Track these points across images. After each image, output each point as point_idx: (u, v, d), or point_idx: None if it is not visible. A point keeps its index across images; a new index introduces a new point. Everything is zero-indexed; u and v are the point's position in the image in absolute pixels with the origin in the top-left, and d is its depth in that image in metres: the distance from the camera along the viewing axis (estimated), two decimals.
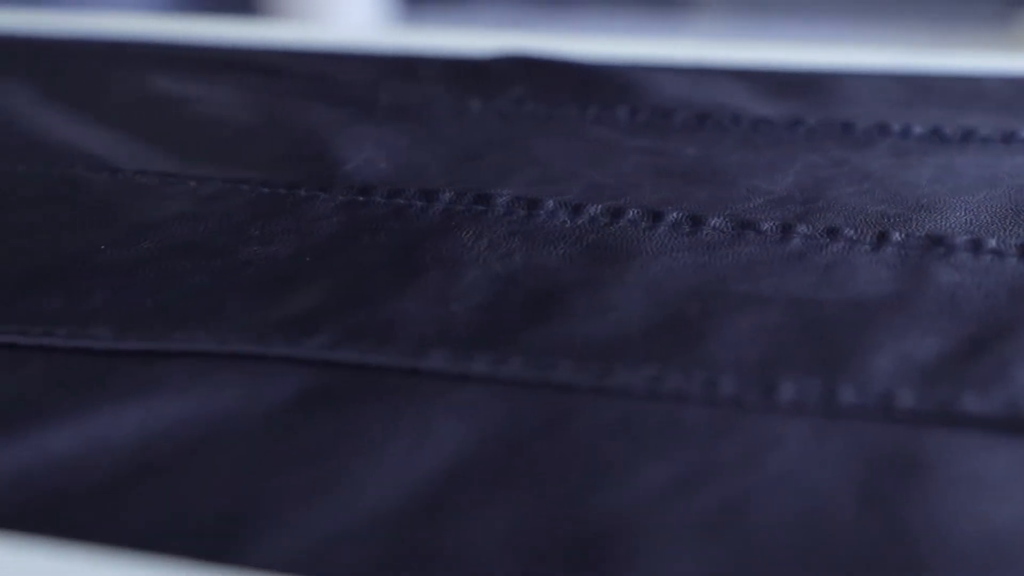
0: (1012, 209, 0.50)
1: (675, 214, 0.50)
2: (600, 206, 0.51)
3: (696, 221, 0.49)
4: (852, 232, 0.48)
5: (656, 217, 0.50)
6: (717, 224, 0.49)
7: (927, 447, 0.35)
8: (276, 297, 0.44)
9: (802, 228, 0.48)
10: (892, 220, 0.49)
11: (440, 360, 0.40)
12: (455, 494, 0.33)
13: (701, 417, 0.37)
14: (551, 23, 2.26)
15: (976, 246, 0.46)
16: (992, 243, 0.46)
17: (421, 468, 0.34)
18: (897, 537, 0.31)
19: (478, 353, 0.40)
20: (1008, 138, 0.58)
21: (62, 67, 0.74)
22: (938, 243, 0.47)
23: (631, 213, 0.50)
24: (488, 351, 0.40)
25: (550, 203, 0.51)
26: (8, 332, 0.42)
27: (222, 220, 0.51)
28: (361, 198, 0.53)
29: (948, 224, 0.49)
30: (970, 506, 0.32)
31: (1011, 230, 0.48)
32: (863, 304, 0.43)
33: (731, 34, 2.18)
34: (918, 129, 0.60)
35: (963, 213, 0.50)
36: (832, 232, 0.48)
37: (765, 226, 0.49)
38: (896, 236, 0.47)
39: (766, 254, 0.47)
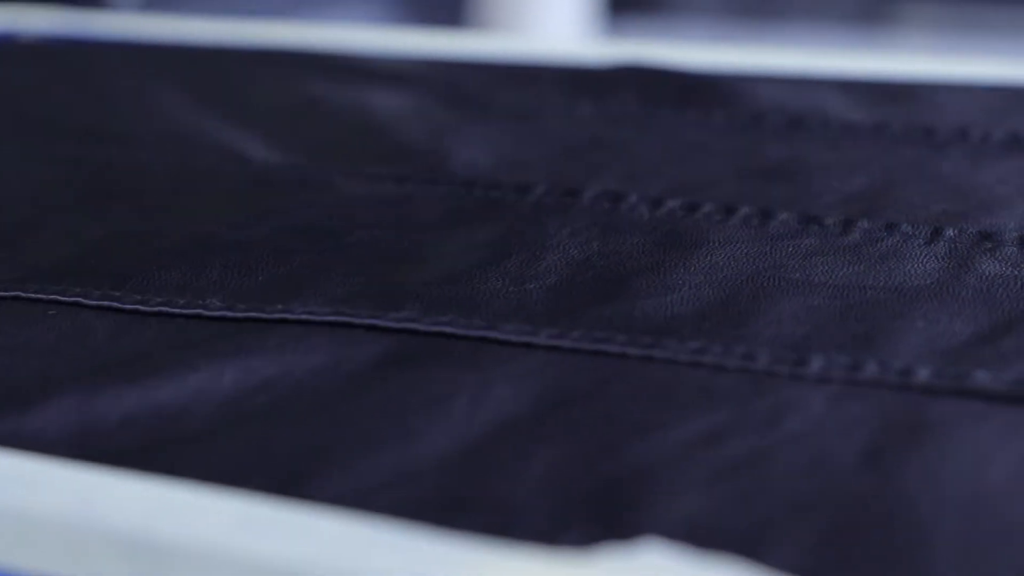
0: None
1: (747, 209, 0.53)
2: (679, 201, 0.54)
3: (765, 215, 0.53)
4: (909, 228, 0.51)
5: (729, 211, 0.53)
6: (784, 218, 0.52)
7: (933, 415, 0.38)
8: (372, 274, 0.48)
9: (863, 223, 0.51)
10: (950, 217, 0.52)
11: (509, 331, 0.43)
12: (503, 446, 0.37)
13: (735, 384, 0.40)
14: (754, 34, 2.28)
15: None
16: None
17: (477, 423, 0.38)
18: (893, 490, 0.34)
19: (543, 327, 0.44)
20: None
21: (219, 72, 0.79)
22: (988, 238, 0.50)
23: (706, 207, 0.53)
24: (553, 325, 0.44)
25: (633, 197, 0.55)
26: (132, 301, 0.47)
27: (334, 208, 0.55)
28: (462, 190, 0.57)
29: (1003, 222, 0.51)
30: (965, 467, 0.35)
31: None
32: (904, 291, 0.45)
33: (936, 47, 2.19)
34: (998, 135, 0.62)
35: (1021, 212, 0.52)
36: (890, 227, 0.51)
37: (829, 221, 0.52)
38: (950, 232, 0.50)
39: (825, 246, 0.50)
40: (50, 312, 0.46)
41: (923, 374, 0.40)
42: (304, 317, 0.45)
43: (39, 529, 0.34)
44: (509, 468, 0.36)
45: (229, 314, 0.46)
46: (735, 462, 0.36)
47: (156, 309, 0.46)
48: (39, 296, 0.47)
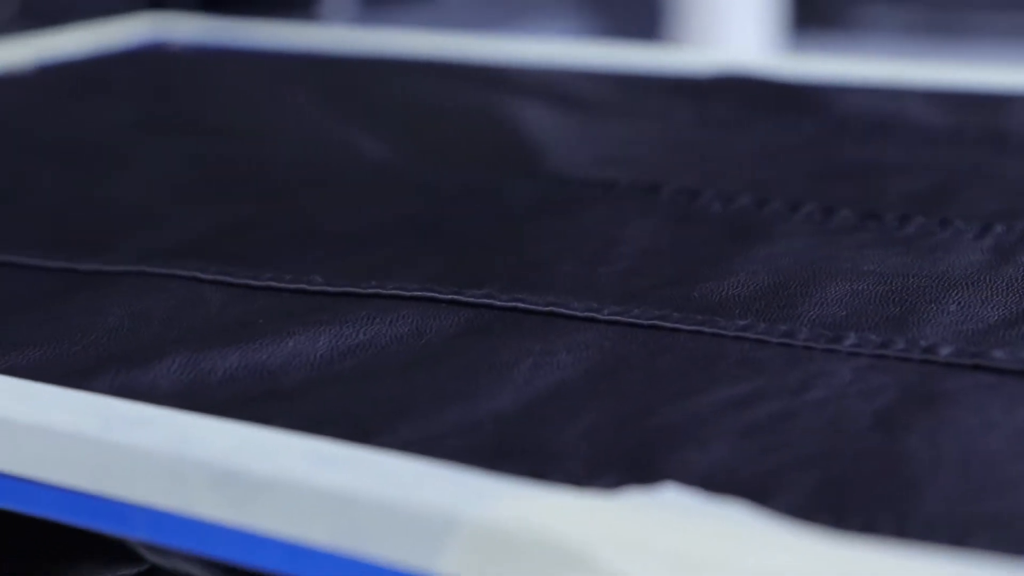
0: None
1: (811, 205, 0.56)
2: (749, 197, 0.58)
3: (827, 211, 0.56)
4: (962, 224, 0.54)
5: (795, 207, 0.56)
6: (845, 214, 0.55)
7: (947, 386, 0.41)
8: (459, 258, 0.53)
9: (919, 219, 0.55)
10: (1003, 215, 0.55)
11: (575, 308, 0.47)
12: (555, 404, 0.41)
13: (773, 357, 0.43)
14: (936, 50, 2.27)
15: None
16: None
17: (536, 385, 0.42)
18: (898, 448, 0.37)
19: (607, 304, 0.47)
20: None
21: (349, 78, 0.84)
22: None
23: (775, 204, 0.57)
24: (615, 304, 0.48)
25: (708, 193, 0.58)
26: (243, 276, 0.51)
27: (433, 200, 0.60)
28: (554, 185, 0.61)
29: None
30: (968, 431, 0.38)
31: None
32: (944, 279, 0.49)
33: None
34: None
35: None
36: (944, 223, 0.54)
37: (887, 217, 0.55)
38: (999, 228, 0.53)
39: (879, 239, 0.53)
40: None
41: (945, 351, 0.43)
42: (394, 292, 0.49)
43: (148, 463, 0.39)
44: (557, 423, 0.40)
45: (328, 289, 0.50)
46: (759, 423, 0.39)
47: (263, 284, 0.51)
48: (162, 271, 0.52)
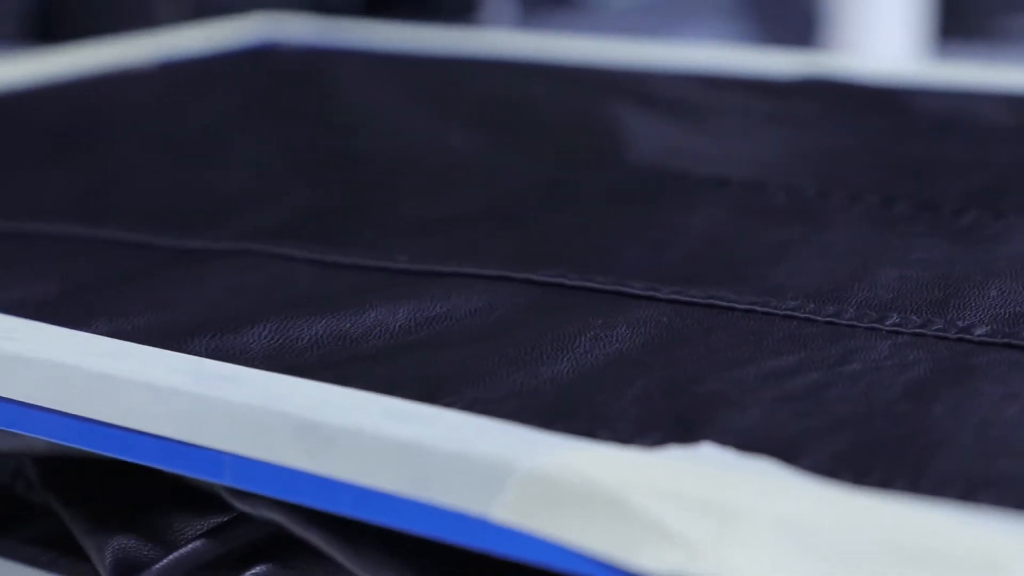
0: None
1: (873, 197, 0.59)
2: (814, 190, 0.60)
3: (887, 203, 0.58)
4: (1014, 217, 0.56)
5: (855, 199, 0.59)
6: (904, 206, 0.58)
7: (977, 362, 0.43)
8: (535, 242, 0.56)
9: (975, 212, 0.57)
10: None
11: (637, 287, 0.50)
12: (610, 372, 0.44)
13: (818, 334, 0.46)
14: None
15: None
16: None
17: (594, 355, 0.45)
18: (923, 415, 0.40)
19: (666, 286, 0.50)
20: None
21: (448, 77, 0.87)
22: None
23: (837, 196, 0.59)
24: (676, 285, 0.50)
25: (774, 186, 0.61)
26: (333, 255, 0.55)
27: (515, 190, 0.63)
28: (629, 177, 0.64)
29: None
30: (991, 401, 0.41)
31: None
32: (990, 267, 0.51)
33: None
34: None
35: None
36: (999, 215, 0.56)
37: (944, 209, 0.57)
38: None
39: (933, 230, 0.55)
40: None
41: (979, 331, 0.45)
42: (471, 272, 0.53)
43: (236, 415, 0.42)
44: (610, 389, 0.43)
45: (410, 268, 0.53)
46: (796, 391, 0.42)
47: (351, 262, 0.54)
48: (259, 249, 0.56)
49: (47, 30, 1.84)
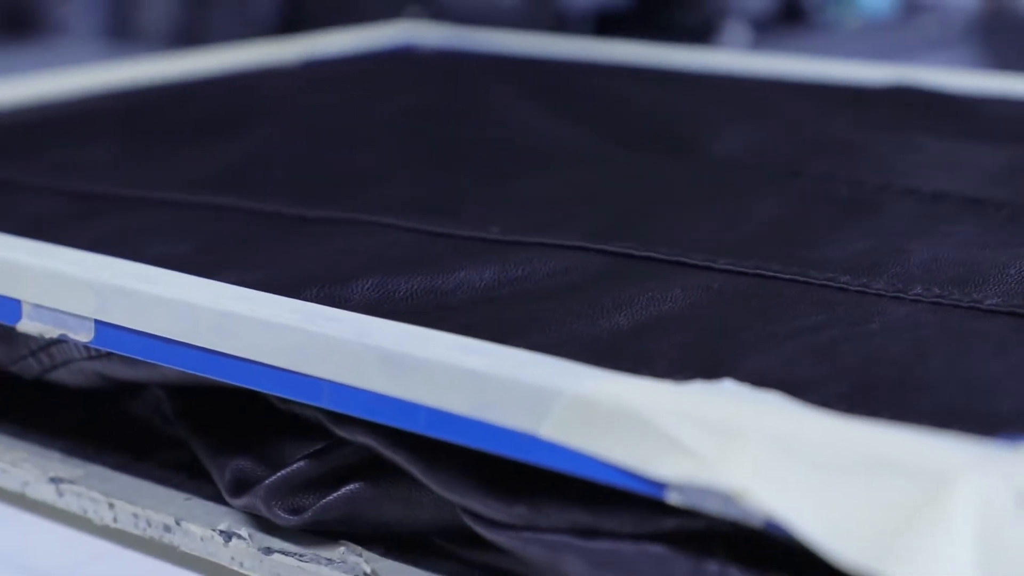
0: None
1: (927, 190, 0.64)
2: (873, 183, 0.66)
3: (938, 196, 0.64)
4: None
5: (910, 192, 0.64)
6: (954, 199, 0.63)
7: (982, 326, 0.49)
8: (615, 218, 0.62)
9: (1016, 205, 0.62)
10: None
11: (696, 258, 0.56)
12: (660, 325, 0.50)
13: (847, 299, 0.52)
14: None
15: None
16: None
17: (648, 311, 0.51)
18: (921, 366, 0.46)
19: (723, 258, 0.56)
20: None
21: (562, 78, 0.94)
22: None
23: (894, 189, 0.65)
24: (731, 258, 0.56)
25: (839, 179, 0.67)
26: (445, 226, 0.62)
27: (606, 176, 0.70)
28: (710, 168, 0.70)
29: None
30: (983, 357, 0.46)
31: None
32: (1017, 251, 0.56)
33: None
34: None
35: None
36: None
37: (989, 203, 0.62)
38: None
39: (974, 219, 0.61)
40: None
41: (990, 302, 0.51)
42: (554, 242, 0.59)
43: (335, 348, 0.49)
44: (656, 338, 0.49)
45: (502, 237, 0.60)
46: (816, 344, 0.48)
47: (450, 231, 0.61)
48: (370, 219, 0.63)
49: (290, 27, 1.90)
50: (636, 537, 0.45)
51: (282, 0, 1.96)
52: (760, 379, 0.44)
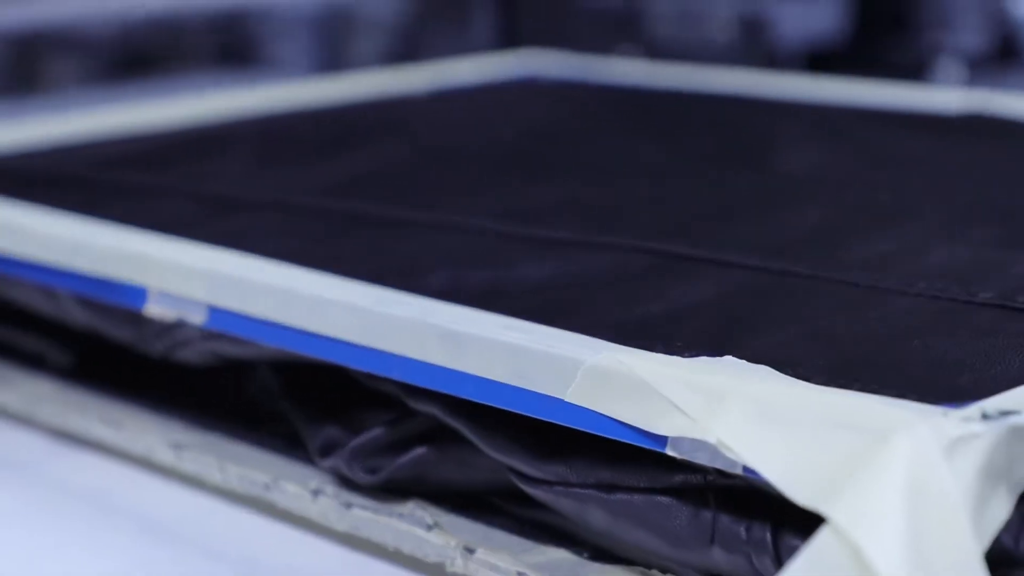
0: None
1: (963, 205, 0.70)
2: (918, 196, 0.72)
3: (970, 208, 0.69)
4: None
5: (949, 204, 0.70)
6: (987, 212, 0.69)
7: (967, 318, 0.54)
8: (668, 222, 0.69)
9: None
10: None
11: (734, 258, 0.63)
12: (687, 312, 0.57)
13: (860, 293, 0.58)
14: None
15: None
16: None
17: (680, 301, 0.58)
18: (900, 349, 0.51)
19: (756, 257, 0.63)
20: None
21: (663, 106, 1.01)
22: None
23: (934, 202, 0.71)
24: (764, 257, 0.63)
25: (885, 191, 0.73)
26: (515, 226, 0.69)
27: (674, 185, 0.77)
28: (769, 179, 0.77)
29: None
30: (959, 343, 0.52)
31: None
32: None
33: None
34: None
35: None
36: None
37: (1019, 218, 0.68)
38: None
39: (1001, 230, 0.66)
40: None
41: (985, 295, 0.56)
42: (611, 241, 0.66)
43: (402, 326, 0.56)
44: (680, 321, 0.55)
45: (569, 237, 0.67)
46: (816, 329, 0.54)
47: (524, 232, 0.68)
48: (457, 221, 0.70)
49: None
50: (648, 490, 0.51)
51: (499, 28, 2.01)
52: (757, 357, 0.51)
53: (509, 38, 1.98)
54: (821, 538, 0.42)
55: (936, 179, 0.77)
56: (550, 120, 0.99)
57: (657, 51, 1.92)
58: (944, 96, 0.98)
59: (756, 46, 1.94)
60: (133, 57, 1.98)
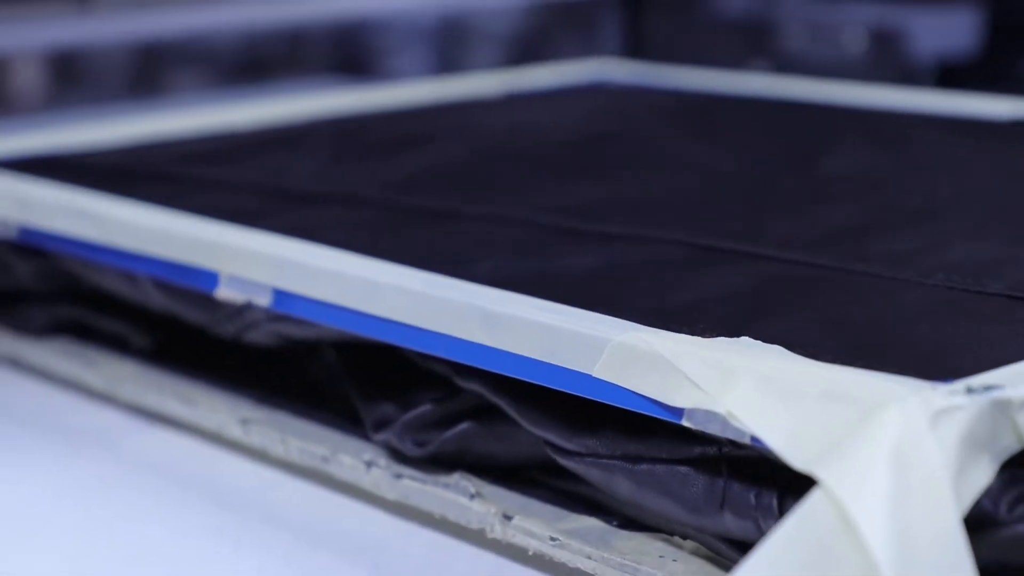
0: None
1: (992, 205, 0.73)
2: (949, 195, 0.75)
3: (1003, 208, 0.72)
4: None
5: (980, 202, 0.73)
6: (1014, 210, 0.72)
7: (976, 307, 0.58)
8: (711, 217, 0.73)
9: None
10: None
11: (765, 250, 0.67)
12: (715, 299, 0.60)
13: (878, 284, 0.61)
14: None
15: None
16: None
17: (711, 289, 0.62)
18: (907, 333, 0.55)
19: (787, 251, 0.66)
20: None
21: (723, 112, 1.05)
22: None
23: (964, 202, 0.74)
24: (794, 251, 0.66)
25: (920, 191, 0.76)
26: (566, 221, 0.73)
27: (725, 187, 0.80)
28: (816, 181, 0.80)
29: None
30: (962, 329, 0.55)
31: None
32: None
33: None
34: None
35: None
36: None
37: None
38: None
39: None
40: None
41: (996, 287, 0.60)
42: (654, 235, 0.70)
43: (450, 308, 0.61)
44: (708, 307, 0.59)
45: (616, 231, 0.71)
46: (832, 315, 0.57)
47: (568, 226, 0.72)
48: (512, 214, 0.75)
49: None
50: (669, 461, 0.55)
51: (625, 42, 2.01)
52: (771, 338, 0.54)
53: (635, 52, 1.98)
54: (812, 498, 0.46)
55: (975, 181, 0.80)
56: (612, 122, 1.03)
57: (788, 65, 1.90)
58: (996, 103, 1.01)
59: (888, 59, 1.93)
60: (252, 66, 2.03)
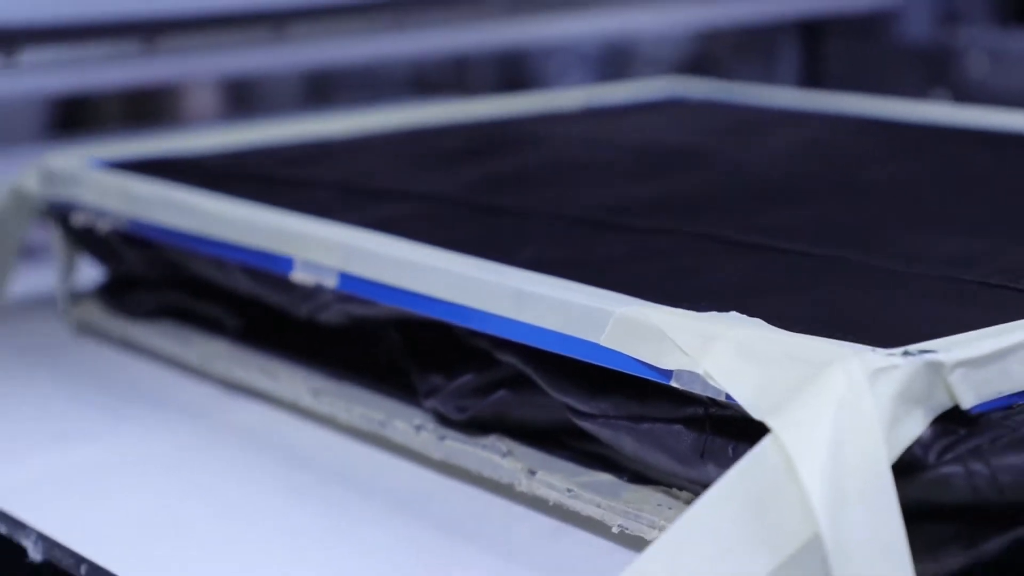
0: None
1: (999, 208, 0.80)
2: (968, 201, 0.82)
3: (1017, 211, 0.79)
4: None
5: (990, 205, 0.80)
6: None
7: (972, 294, 0.64)
8: (744, 214, 0.80)
9: None
10: None
11: (785, 244, 0.74)
12: (721, 283, 0.68)
13: (886, 275, 0.67)
14: None
15: None
16: None
17: (724, 275, 0.69)
18: (895, 314, 0.61)
19: (812, 245, 0.73)
20: None
21: (772, 124, 1.12)
22: None
23: (975, 205, 0.81)
24: (815, 243, 0.73)
25: (934, 194, 0.83)
26: (626, 221, 0.81)
27: (758, 194, 0.88)
28: (845, 188, 0.87)
29: None
30: (948, 313, 0.61)
31: None
32: None
33: None
34: None
35: None
36: None
37: None
38: None
39: None
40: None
41: (995, 279, 0.66)
42: (690, 230, 0.77)
43: (487, 288, 0.69)
44: (711, 289, 0.67)
45: (644, 225, 0.79)
46: (829, 298, 0.64)
47: (608, 222, 0.80)
48: (564, 214, 0.83)
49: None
50: (665, 420, 0.63)
51: (804, 71, 1.99)
52: (757, 314, 0.61)
53: (811, 80, 1.95)
54: (763, 443, 0.53)
55: (998, 189, 0.86)
56: (675, 134, 1.10)
57: (968, 95, 1.86)
58: None
59: None
60: (418, 87, 2.10)
